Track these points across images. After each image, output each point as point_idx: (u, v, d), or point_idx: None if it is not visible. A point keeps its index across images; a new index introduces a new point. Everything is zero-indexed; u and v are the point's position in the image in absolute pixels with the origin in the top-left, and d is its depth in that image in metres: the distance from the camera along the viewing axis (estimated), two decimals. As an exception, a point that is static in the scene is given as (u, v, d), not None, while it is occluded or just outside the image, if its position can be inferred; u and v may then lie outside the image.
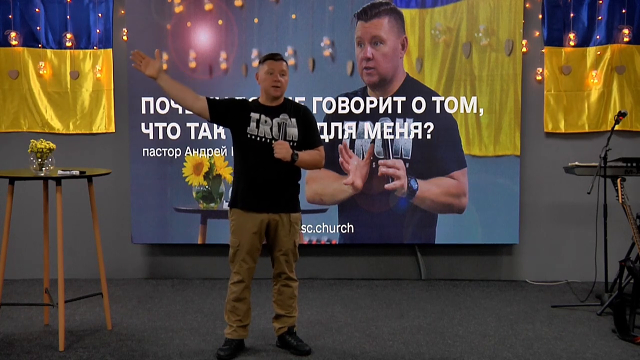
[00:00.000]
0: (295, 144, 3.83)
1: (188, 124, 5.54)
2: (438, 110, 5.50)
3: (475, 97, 5.50)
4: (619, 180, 4.55)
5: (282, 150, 3.72)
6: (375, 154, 5.51)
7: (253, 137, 3.79)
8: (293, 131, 3.84)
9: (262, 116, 3.81)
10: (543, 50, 5.61)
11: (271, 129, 3.81)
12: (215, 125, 5.51)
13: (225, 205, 5.55)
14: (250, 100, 3.93)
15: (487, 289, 5.50)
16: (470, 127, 5.51)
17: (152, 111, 5.55)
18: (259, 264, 5.81)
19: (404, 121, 5.51)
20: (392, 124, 5.51)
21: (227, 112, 3.83)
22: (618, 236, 5.15)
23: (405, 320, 4.61)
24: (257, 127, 3.80)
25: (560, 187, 5.65)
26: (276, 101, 3.85)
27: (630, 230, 4.53)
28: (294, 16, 5.48)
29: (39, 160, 4.11)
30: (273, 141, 3.78)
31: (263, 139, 3.80)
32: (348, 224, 5.57)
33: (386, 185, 5.50)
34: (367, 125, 5.51)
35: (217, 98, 3.87)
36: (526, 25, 5.55)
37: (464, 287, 5.55)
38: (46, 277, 4.47)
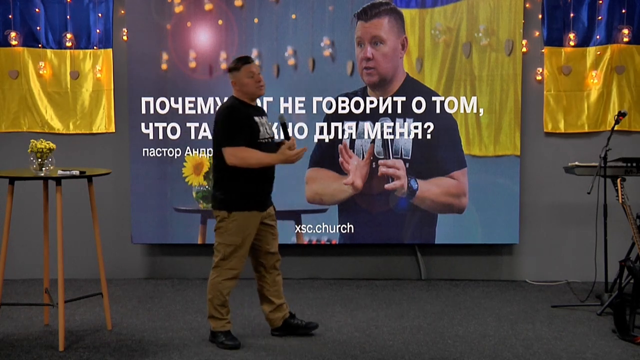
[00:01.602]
0: None
1: (188, 124, 5.54)
2: (438, 110, 5.50)
3: (475, 97, 5.50)
4: (619, 180, 4.55)
5: None
6: (375, 154, 5.51)
7: (265, 140, 3.97)
8: None
9: (258, 118, 4.00)
10: (543, 50, 5.61)
11: (266, 128, 4.02)
12: (215, 125, 5.52)
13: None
14: (232, 105, 3.98)
15: (487, 289, 5.50)
16: (470, 127, 5.51)
17: (152, 111, 5.55)
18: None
19: (404, 121, 5.51)
20: (392, 124, 5.50)
21: (249, 135, 3.90)
22: (618, 236, 5.15)
23: (405, 320, 4.61)
24: (264, 130, 3.99)
25: (560, 187, 5.65)
26: (255, 100, 4.07)
27: (630, 230, 4.53)
28: (294, 16, 5.48)
29: (39, 160, 4.11)
30: (275, 139, 4.10)
31: (269, 140, 4.02)
32: (348, 224, 5.57)
33: (386, 185, 5.50)
34: (367, 125, 5.51)
35: (239, 133, 3.88)
36: (526, 25, 5.55)
37: (464, 287, 5.55)
38: (46, 277, 4.47)
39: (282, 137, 4.09)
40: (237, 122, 3.89)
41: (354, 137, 5.53)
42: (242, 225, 3.93)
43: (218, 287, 4.02)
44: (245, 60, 4.01)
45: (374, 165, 5.51)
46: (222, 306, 4.04)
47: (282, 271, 5.67)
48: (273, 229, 4.12)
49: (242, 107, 3.96)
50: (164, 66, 5.52)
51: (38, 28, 5.64)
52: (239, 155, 3.83)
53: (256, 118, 3.97)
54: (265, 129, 4.00)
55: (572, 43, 5.57)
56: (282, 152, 3.90)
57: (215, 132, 3.99)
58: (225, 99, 5.44)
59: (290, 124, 5.50)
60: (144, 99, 5.55)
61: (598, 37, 5.57)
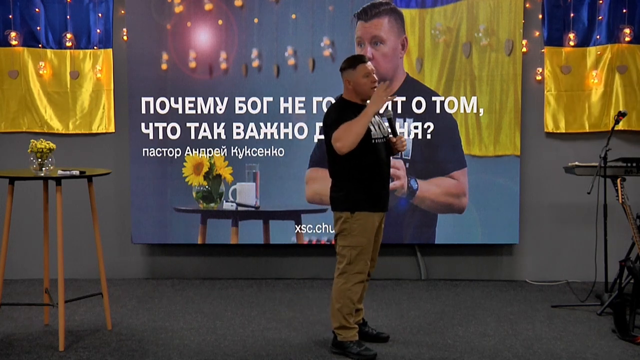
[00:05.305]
0: None
1: (188, 124, 5.54)
2: (438, 110, 5.50)
3: (475, 97, 5.50)
4: (619, 180, 4.55)
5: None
6: (375, 154, 5.49)
7: (376, 140, 3.84)
8: None
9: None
10: (543, 50, 5.60)
11: (378, 127, 3.90)
12: (215, 125, 5.52)
13: (226, 205, 5.54)
14: (340, 104, 3.88)
15: (487, 289, 5.50)
16: (470, 127, 5.51)
17: (152, 111, 5.55)
18: (258, 263, 5.82)
19: (404, 121, 5.51)
20: (392, 124, 5.50)
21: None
22: (618, 236, 5.15)
23: (405, 320, 4.61)
24: (375, 129, 3.85)
25: (560, 187, 5.64)
26: (366, 101, 3.87)
27: (630, 230, 4.53)
28: (294, 16, 5.48)
29: (39, 160, 4.11)
30: (388, 137, 3.95)
31: (381, 139, 3.89)
32: (348, 224, 5.56)
33: (386, 185, 5.49)
34: (367, 125, 5.50)
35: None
36: (526, 25, 5.55)
37: (464, 287, 5.55)
38: (46, 277, 4.47)
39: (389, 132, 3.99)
40: (345, 116, 3.74)
41: (354, 137, 5.51)
42: (363, 225, 3.81)
43: (347, 294, 3.83)
44: (361, 59, 3.87)
45: (374, 165, 5.50)
46: (351, 314, 3.86)
47: (282, 271, 5.66)
48: (380, 233, 3.99)
49: (352, 106, 3.82)
50: (164, 66, 5.52)
51: (38, 28, 5.64)
52: (339, 136, 3.66)
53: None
54: (377, 128, 3.86)
55: (572, 43, 5.56)
56: (374, 96, 3.73)
57: (325, 131, 3.85)
58: (226, 99, 5.53)
59: (290, 124, 5.51)
60: (144, 99, 5.55)
61: (598, 37, 5.57)
